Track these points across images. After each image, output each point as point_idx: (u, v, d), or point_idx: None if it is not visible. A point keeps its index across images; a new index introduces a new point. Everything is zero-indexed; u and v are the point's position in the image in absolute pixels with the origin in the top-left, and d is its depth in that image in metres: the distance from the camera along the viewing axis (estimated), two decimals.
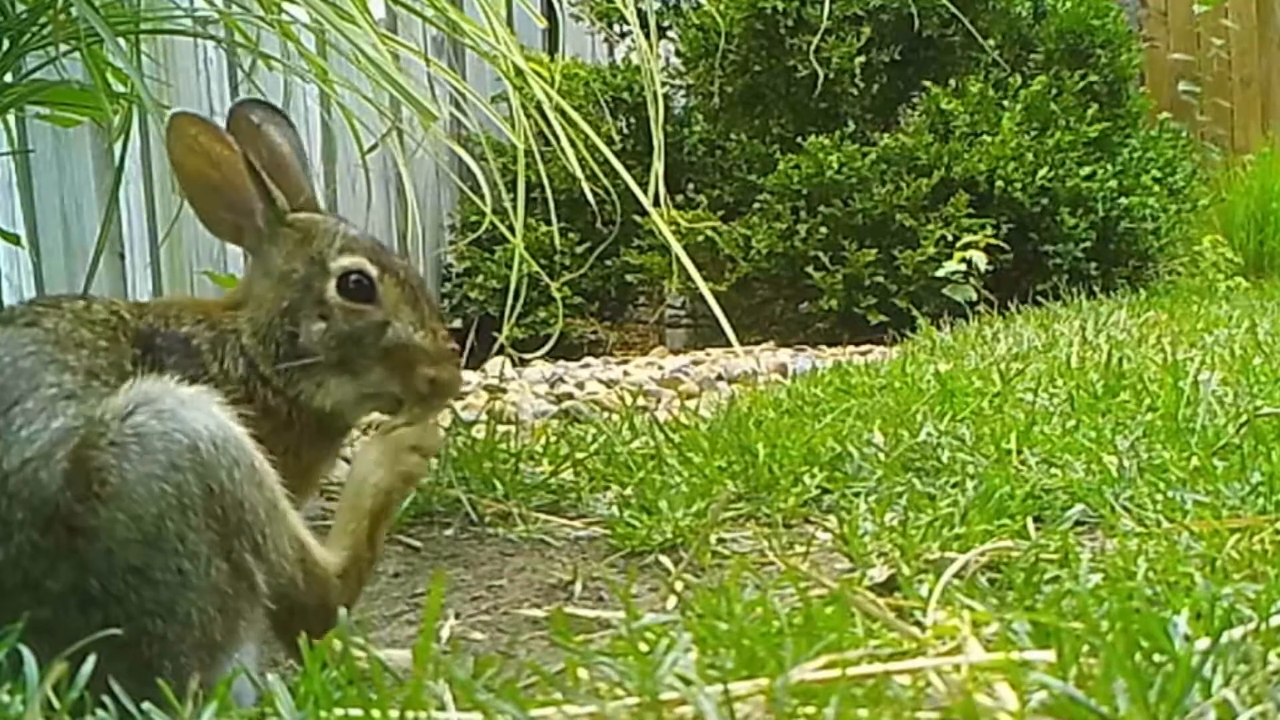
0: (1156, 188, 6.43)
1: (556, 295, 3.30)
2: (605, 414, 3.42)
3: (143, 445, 1.48)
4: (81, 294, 1.79)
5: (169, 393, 1.53)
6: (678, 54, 6.46)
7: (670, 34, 6.49)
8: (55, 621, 1.45)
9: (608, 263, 6.14)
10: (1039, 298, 5.78)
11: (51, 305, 1.65)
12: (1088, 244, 6.03)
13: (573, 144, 2.38)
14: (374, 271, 1.78)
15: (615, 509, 2.26)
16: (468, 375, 1.88)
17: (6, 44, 2.44)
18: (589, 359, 5.76)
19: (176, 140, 1.74)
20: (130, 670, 1.43)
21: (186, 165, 1.75)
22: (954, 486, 2.18)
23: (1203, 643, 1.23)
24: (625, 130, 6.09)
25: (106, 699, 1.36)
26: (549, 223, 2.99)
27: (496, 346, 3.19)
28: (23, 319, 1.62)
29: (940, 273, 5.69)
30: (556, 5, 5.86)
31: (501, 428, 2.76)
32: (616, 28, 6.63)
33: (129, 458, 1.47)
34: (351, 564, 1.67)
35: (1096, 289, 6.01)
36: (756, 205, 6.06)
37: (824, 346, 5.71)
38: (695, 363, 5.23)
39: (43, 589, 1.46)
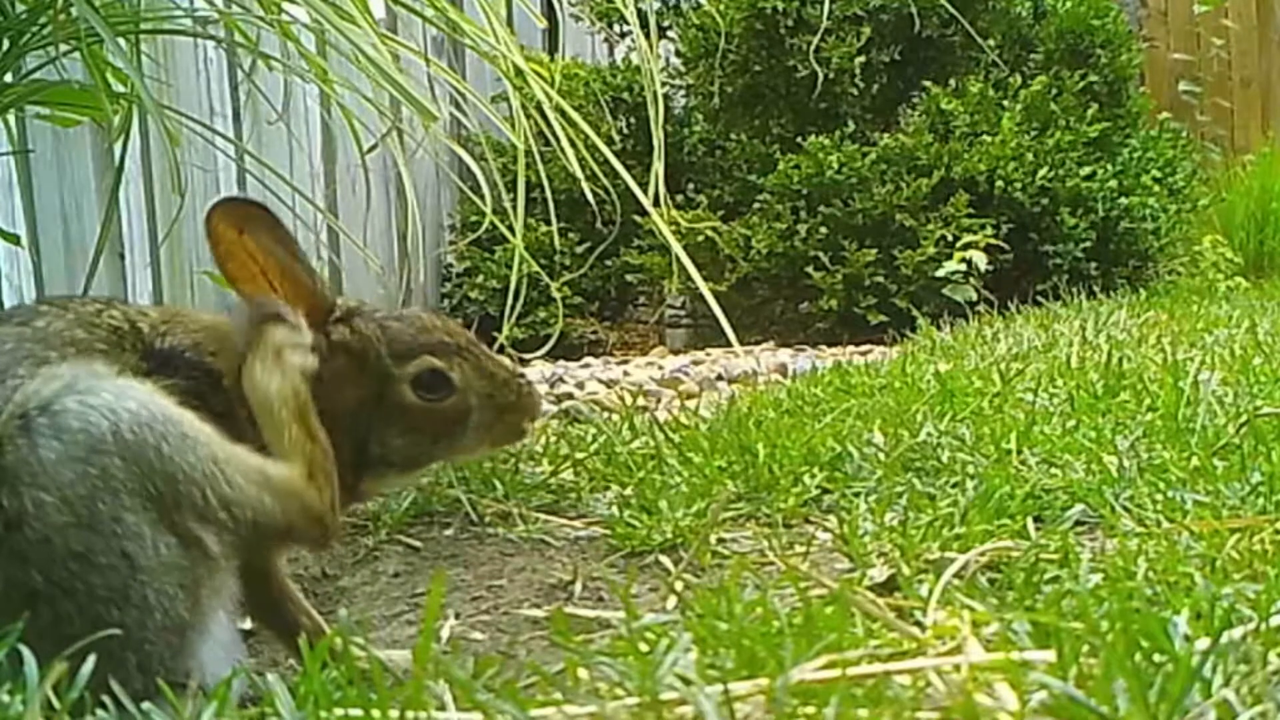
0: (1156, 188, 6.43)
1: (556, 295, 3.30)
2: (605, 414, 3.42)
3: (59, 425, 1.44)
4: (108, 298, 1.75)
5: (87, 375, 1.50)
6: (678, 54, 6.46)
7: (670, 34, 6.49)
8: (6, 624, 1.38)
9: (608, 263, 6.14)
10: (1039, 298, 5.78)
11: (57, 306, 1.64)
12: (1088, 244, 6.03)
13: (573, 144, 2.38)
14: (442, 364, 1.79)
15: (615, 509, 2.26)
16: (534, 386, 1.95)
17: (6, 44, 2.44)
18: (589, 359, 5.77)
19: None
20: (97, 667, 1.34)
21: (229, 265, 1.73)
22: (954, 486, 2.18)
23: (1203, 643, 1.23)
24: (625, 130, 6.09)
25: (106, 699, 1.36)
26: (549, 223, 2.99)
27: (496, 346, 3.18)
28: (17, 318, 1.60)
29: (940, 273, 5.69)
30: (556, 5, 5.86)
31: None
32: (616, 28, 6.63)
33: (44, 437, 1.43)
34: (311, 465, 1.64)
35: (1096, 289, 6.01)
36: (756, 205, 6.06)
37: (824, 346, 5.72)
38: (695, 363, 5.23)
39: None
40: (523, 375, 1.89)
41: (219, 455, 1.53)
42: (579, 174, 2.43)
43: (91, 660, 1.33)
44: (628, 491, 2.35)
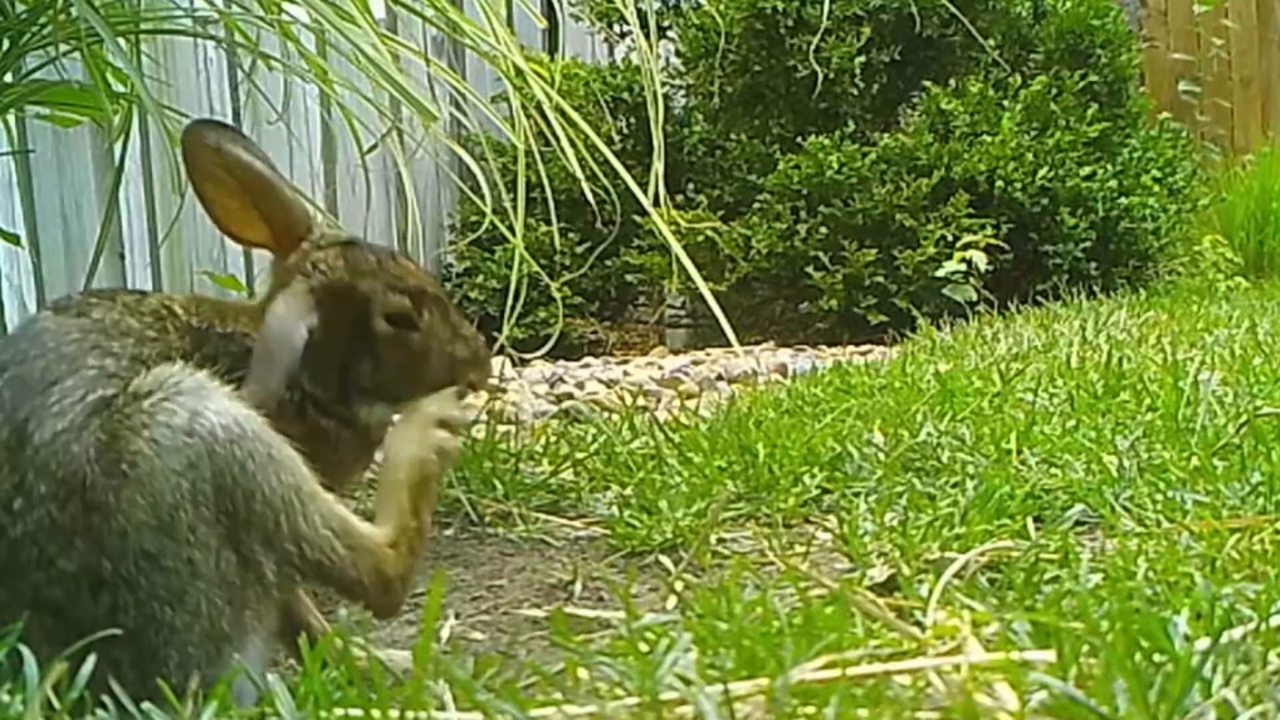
0: (1156, 188, 6.42)
1: (556, 295, 3.30)
2: (605, 414, 3.42)
3: (173, 439, 1.49)
4: (139, 289, 1.79)
5: (194, 386, 1.54)
6: (678, 54, 6.46)
7: (670, 34, 6.49)
8: (65, 603, 1.45)
9: (608, 263, 6.13)
10: (1039, 298, 5.78)
11: (105, 297, 1.66)
12: (1088, 244, 6.03)
13: (573, 144, 2.38)
14: (414, 306, 1.80)
15: (615, 509, 2.26)
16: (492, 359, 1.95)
17: (6, 44, 2.44)
18: (589, 359, 5.76)
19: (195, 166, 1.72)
20: (135, 659, 1.45)
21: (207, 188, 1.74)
22: (954, 486, 2.18)
23: (1203, 643, 1.23)
24: (625, 130, 6.09)
25: (106, 698, 1.36)
26: (549, 223, 2.99)
27: (496, 346, 3.18)
28: (74, 309, 1.63)
29: (940, 273, 5.68)
30: (556, 5, 5.85)
31: (501, 428, 2.76)
32: (616, 28, 6.62)
33: (160, 451, 1.48)
34: (399, 534, 1.65)
35: (1096, 289, 6.01)
36: (756, 205, 6.05)
37: (824, 346, 5.71)
38: (695, 363, 5.23)
39: (55, 568, 1.46)
40: (485, 344, 1.90)
41: (304, 489, 1.56)
42: (579, 174, 2.43)
43: (137, 651, 1.43)
44: (628, 491, 2.35)
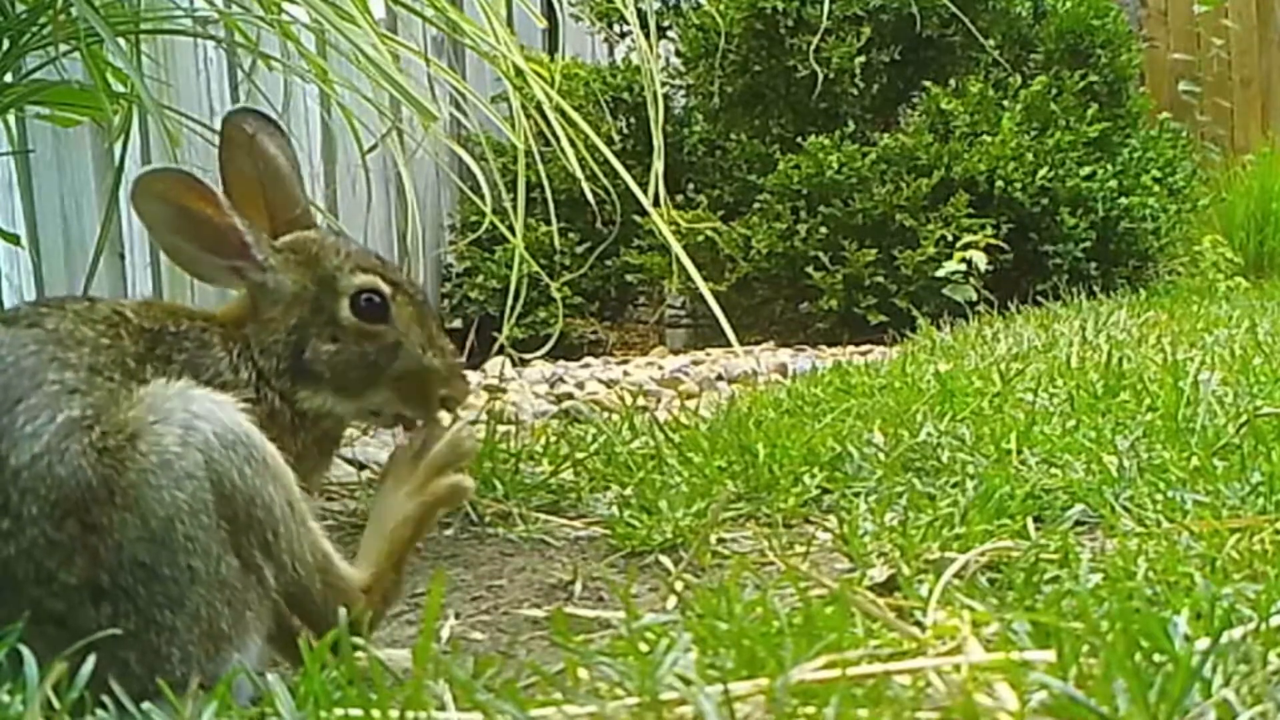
0: (1156, 188, 6.43)
1: (556, 295, 3.30)
2: (605, 414, 3.42)
3: (163, 462, 1.50)
4: (85, 295, 1.79)
5: (182, 402, 1.54)
6: (678, 54, 6.46)
7: (670, 34, 6.49)
8: (68, 613, 1.47)
9: (608, 263, 6.14)
10: (1039, 298, 5.78)
11: (54, 306, 1.66)
12: (1088, 244, 6.03)
13: (573, 144, 2.38)
14: (387, 290, 1.78)
15: (615, 509, 2.26)
16: (468, 375, 1.90)
17: (6, 44, 2.44)
18: (589, 359, 5.77)
19: (144, 201, 1.69)
20: (139, 659, 1.47)
21: (160, 225, 1.72)
22: (954, 486, 2.18)
23: (1203, 643, 1.23)
24: (625, 130, 6.09)
25: (107, 699, 1.36)
26: (549, 223, 2.99)
27: (496, 346, 3.19)
28: (25, 320, 1.62)
29: (940, 273, 5.69)
30: (556, 5, 5.85)
31: (501, 428, 2.76)
32: (616, 28, 6.63)
33: (152, 477, 1.50)
34: (376, 581, 1.67)
35: (1096, 289, 6.02)
36: (756, 205, 6.06)
37: (824, 346, 5.72)
38: (695, 363, 5.23)
39: (56, 581, 1.47)
40: (462, 362, 1.87)
41: (297, 507, 1.58)
42: (579, 174, 2.43)
43: (140, 653, 1.46)
44: (628, 491, 2.35)
